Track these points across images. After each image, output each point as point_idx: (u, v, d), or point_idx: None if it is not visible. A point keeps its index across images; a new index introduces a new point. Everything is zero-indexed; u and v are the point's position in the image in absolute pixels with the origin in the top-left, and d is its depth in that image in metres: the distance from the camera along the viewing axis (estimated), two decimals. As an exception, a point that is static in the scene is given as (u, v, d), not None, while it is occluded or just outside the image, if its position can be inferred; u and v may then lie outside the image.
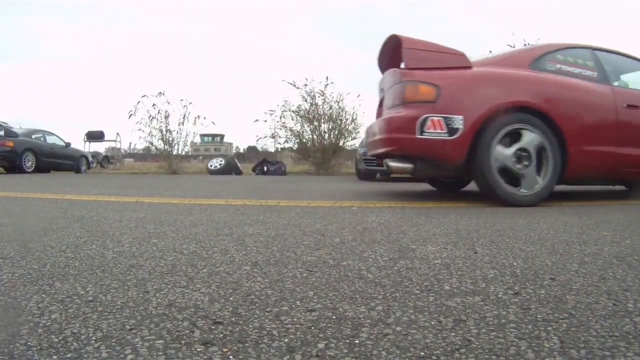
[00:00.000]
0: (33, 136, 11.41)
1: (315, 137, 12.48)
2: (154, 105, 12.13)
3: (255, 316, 1.03)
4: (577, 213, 3.00)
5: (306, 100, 12.35)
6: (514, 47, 10.88)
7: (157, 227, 2.26)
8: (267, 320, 1.00)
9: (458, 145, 3.21)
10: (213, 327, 0.96)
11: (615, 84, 3.87)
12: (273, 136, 13.10)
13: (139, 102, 12.10)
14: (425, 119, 3.18)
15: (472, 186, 5.73)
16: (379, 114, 4.32)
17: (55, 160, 11.89)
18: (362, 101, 13.70)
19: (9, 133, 10.58)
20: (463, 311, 1.06)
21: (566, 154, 3.37)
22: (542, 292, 1.21)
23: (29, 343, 0.88)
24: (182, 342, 0.89)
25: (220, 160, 12.72)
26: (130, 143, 20.46)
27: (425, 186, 6.05)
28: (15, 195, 4.24)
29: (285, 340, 0.90)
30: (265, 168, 11.90)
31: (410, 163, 3.42)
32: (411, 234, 2.11)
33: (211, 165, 12.44)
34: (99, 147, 22.06)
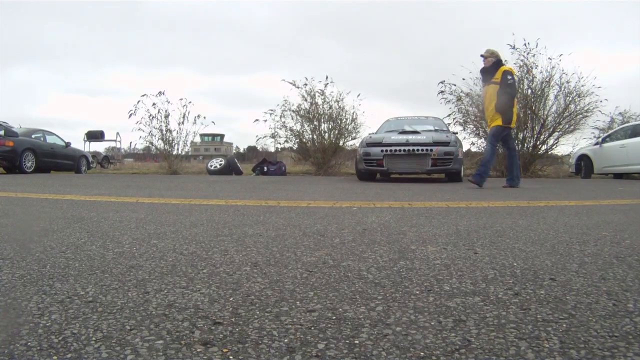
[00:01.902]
0: (33, 136, 11.39)
1: (315, 136, 12.47)
2: (154, 104, 12.12)
3: (255, 317, 1.03)
4: (577, 213, 3.00)
5: (306, 100, 12.34)
6: (514, 47, 10.90)
7: (157, 228, 2.26)
8: (267, 320, 1.00)
9: None
10: (213, 328, 0.96)
11: None
12: (273, 136, 13.09)
13: (138, 101, 12.09)
14: None
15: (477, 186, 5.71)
16: None
17: (55, 160, 11.87)
18: (362, 101, 13.68)
19: (9, 133, 10.56)
20: (463, 311, 1.06)
21: None
22: (542, 292, 1.21)
23: (29, 343, 0.88)
24: (182, 342, 0.89)
25: (220, 160, 12.71)
26: (131, 143, 20.44)
27: (424, 186, 6.05)
28: (15, 195, 4.24)
29: (285, 340, 0.90)
30: (265, 168, 11.90)
31: None
32: (411, 234, 2.11)
33: (211, 166, 12.43)
34: (99, 147, 22.08)
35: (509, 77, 5.79)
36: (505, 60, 6.48)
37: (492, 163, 6.20)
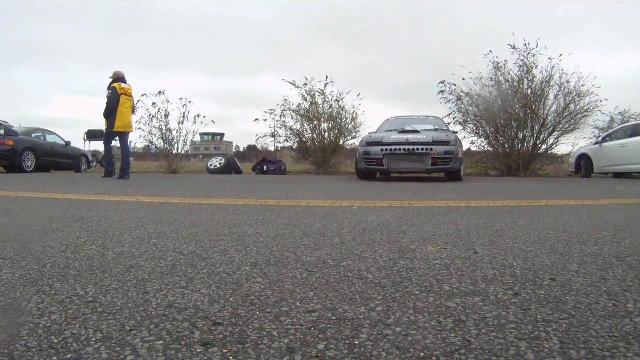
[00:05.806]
0: (33, 135, 11.37)
1: (315, 136, 12.47)
2: (153, 104, 12.13)
3: (255, 317, 1.03)
4: (577, 213, 3.00)
5: (306, 100, 12.34)
6: (514, 47, 10.89)
7: (157, 227, 2.26)
8: (267, 321, 1.00)
9: None
10: (213, 328, 0.96)
11: None
12: (273, 135, 13.08)
13: (138, 101, 12.07)
14: None
15: (476, 183, 5.73)
16: None
17: (55, 160, 11.85)
18: (362, 100, 13.68)
19: (9, 132, 10.54)
20: (463, 312, 1.06)
21: None
22: (542, 292, 1.21)
23: (29, 344, 0.88)
24: (182, 343, 0.89)
25: (220, 160, 12.71)
26: (131, 142, 20.41)
27: (424, 186, 6.05)
28: (15, 194, 4.24)
29: (285, 341, 0.90)
30: (265, 167, 11.90)
31: None
32: (411, 234, 2.11)
33: (211, 165, 12.43)
34: (99, 147, 22.04)
35: (109, 91, 7.48)
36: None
37: (110, 158, 8.00)
